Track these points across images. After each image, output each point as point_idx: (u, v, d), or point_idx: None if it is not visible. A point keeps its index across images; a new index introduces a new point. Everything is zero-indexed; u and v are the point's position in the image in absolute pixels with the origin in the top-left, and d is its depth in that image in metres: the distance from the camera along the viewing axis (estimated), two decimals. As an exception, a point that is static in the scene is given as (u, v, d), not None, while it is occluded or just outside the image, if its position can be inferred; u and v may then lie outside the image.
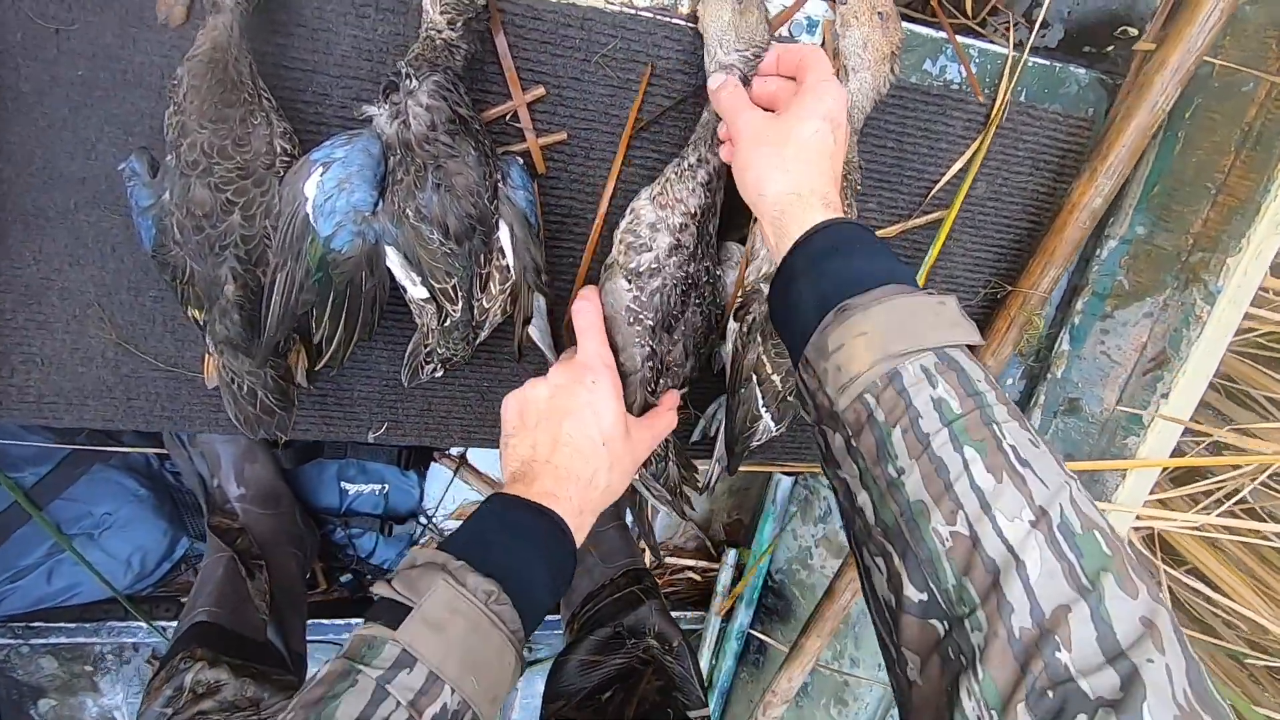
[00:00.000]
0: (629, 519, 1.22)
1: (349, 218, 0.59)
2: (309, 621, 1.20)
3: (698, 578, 1.45)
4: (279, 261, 0.60)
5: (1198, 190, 0.75)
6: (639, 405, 0.65)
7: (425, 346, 0.68)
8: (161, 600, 1.18)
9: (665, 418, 0.66)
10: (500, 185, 0.63)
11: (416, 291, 0.64)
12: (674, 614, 1.42)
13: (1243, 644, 0.94)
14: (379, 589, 0.48)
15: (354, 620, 1.23)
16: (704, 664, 1.43)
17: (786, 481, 1.30)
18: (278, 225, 0.59)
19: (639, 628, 0.96)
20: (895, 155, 0.77)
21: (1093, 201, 0.76)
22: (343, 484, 1.14)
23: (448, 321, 0.65)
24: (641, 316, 0.61)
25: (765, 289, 0.68)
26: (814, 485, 1.31)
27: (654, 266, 0.60)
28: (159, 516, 1.09)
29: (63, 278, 0.66)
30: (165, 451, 1.06)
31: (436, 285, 0.62)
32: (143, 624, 1.14)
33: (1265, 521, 0.88)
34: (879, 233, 0.80)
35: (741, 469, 0.81)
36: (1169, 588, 0.95)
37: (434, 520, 1.28)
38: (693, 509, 0.76)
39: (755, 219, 0.70)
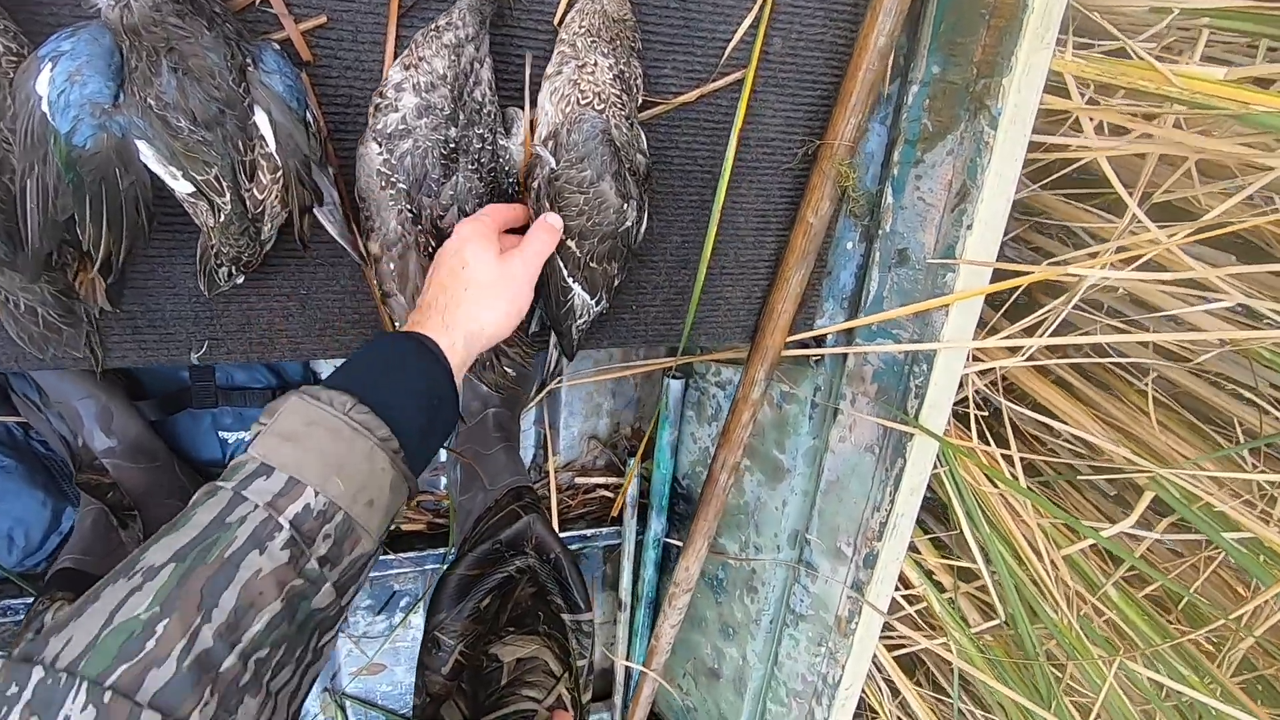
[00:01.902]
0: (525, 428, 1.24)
1: (85, 111, 0.58)
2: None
3: (611, 495, 1.48)
4: (24, 167, 0.59)
5: (973, 19, 0.76)
6: (416, 272, 0.65)
7: (212, 247, 0.67)
8: (59, 575, 1.17)
9: (536, 239, 0.65)
10: (251, 69, 0.62)
11: (180, 186, 0.63)
12: (590, 531, 1.45)
13: (1090, 471, 0.99)
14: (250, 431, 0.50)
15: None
16: (626, 576, 1.46)
17: (676, 385, 1.32)
18: (15, 129, 0.58)
19: (517, 541, 0.98)
20: (682, 16, 0.77)
21: (877, 41, 0.77)
22: (220, 434, 1.13)
23: (222, 216, 0.64)
24: (394, 180, 0.61)
25: (545, 154, 0.68)
26: (704, 386, 1.33)
27: (402, 128, 0.60)
28: (33, 487, 1.07)
29: None
30: (23, 419, 1.05)
31: (198, 177, 0.62)
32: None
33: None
34: (678, 99, 0.80)
35: (621, 371, 0.82)
36: (1015, 426, 1.00)
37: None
38: (507, 385, 0.77)
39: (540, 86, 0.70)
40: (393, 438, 0.50)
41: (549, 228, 0.67)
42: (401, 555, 1.32)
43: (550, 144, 0.67)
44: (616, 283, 0.77)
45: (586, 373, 1.38)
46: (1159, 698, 0.84)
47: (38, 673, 0.37)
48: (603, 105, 0.67)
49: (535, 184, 0.68)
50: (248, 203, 0.64)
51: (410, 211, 0.62)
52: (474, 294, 0.60)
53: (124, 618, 0.39)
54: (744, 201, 0.89)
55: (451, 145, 0.62)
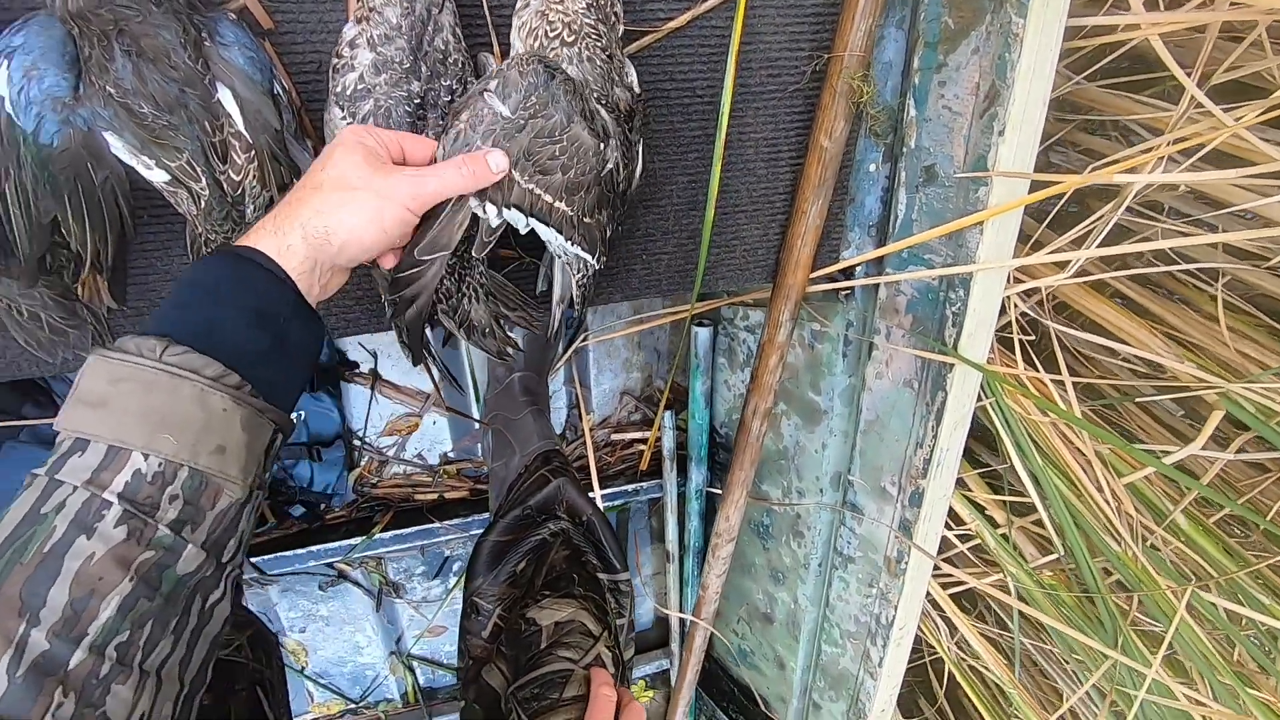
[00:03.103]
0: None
1: (47, 107, 0.56)
2: (274, 556, 1.25)
3: (645, 448, 1.46)
4: (0, 172, 0.58)
5: (994, -109, 0.67)
6: None
7: (200, 236, 0.66)
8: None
9: (446, 170, 0.54)
10: (207, 44, 0.59)
11: (155, 176, 0.61)
12: (632, 486, 1.44)
13: (1153, 391, 0.91)
14: None
15: (317, 547, 1.28)
16: (671, 528, 1.46)
17: (704, 333, 1.27)
18: (-17, 134, 0.57)
19: (548, 505, 0.97)
20: (663, -69, 0.70)
21: (883, -69, 0.69)
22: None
23: (202, 203, 0.63)
24: None
25: (495, 100, 0.63)
26: (733, 332, 1.29)
27: (361, 88, 0.56)
28: (91, 482, 1.12)
29: None
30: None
31: (170, 164, 0.60)
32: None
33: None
34: (668, 26, 0.74)
35: (645, 324, 0.78)
36: (1065, 348, 0.92)
37: (367, 440, 1.30)
38: (518, 349, 0.74)
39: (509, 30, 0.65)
40: (229, 372, 0.44)
41: (477, 160, 0.55)
42: (448, 523, 1.34)
43: (496, 83, 0.61)
44: (610, 233, 0.72)
45: (614, 328, 1.35)
46: (1236, 628, 0.78)
47: None
48: (574, 37, 0.61)
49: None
50: (225, 186, 0.62)
51: None
52: (325, 194, 0.50)
53: None
54: (751, 131, 0.83)
55: (417, 100, 0.58)
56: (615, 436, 1.44)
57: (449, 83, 0.61)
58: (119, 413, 0.41)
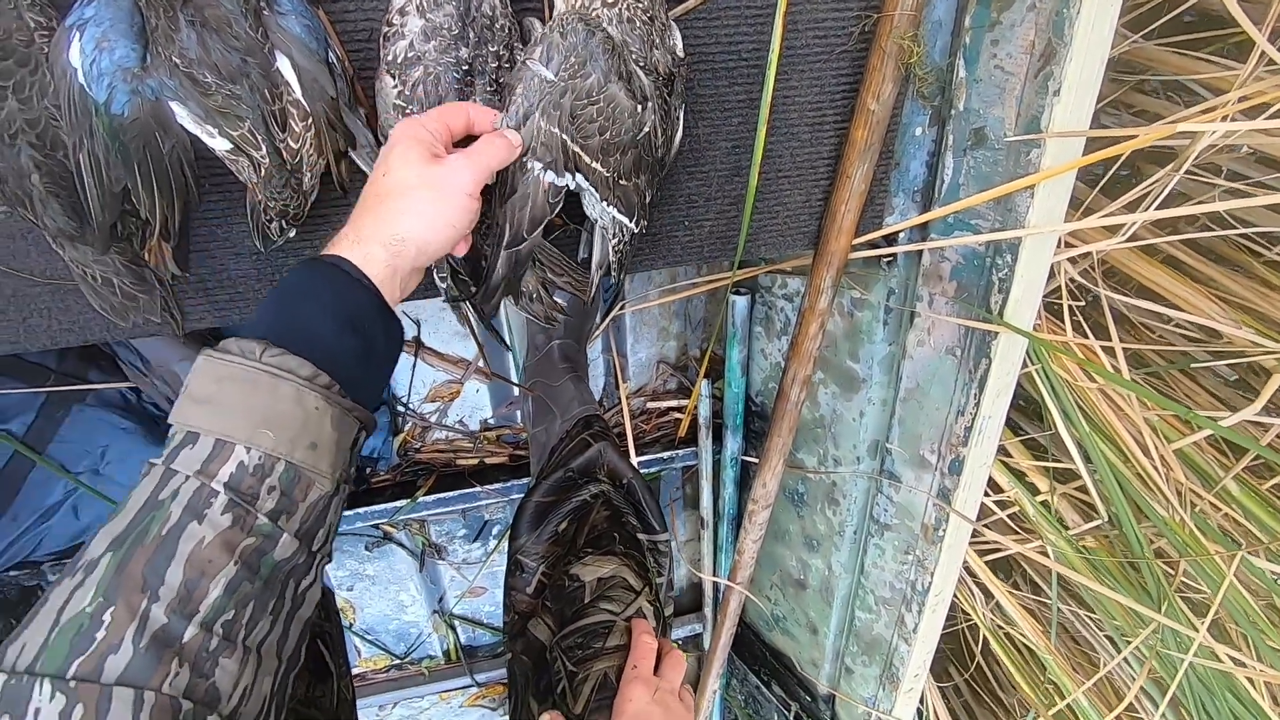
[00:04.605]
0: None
1: (117, 77, 0.58)
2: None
3: (681, 416, 1.47)
4: (74, 142, 0.60)
5: None
6: None
7: (259, 204, 0.68)
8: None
9: (486, 148, 0.57)
10: (266, 14, 0.60)
11: (218, 144, 0.63)
12: (667, 453, 1.46)
13: (1207, 356, 0.89)
14: None
15: (364, 509, 1.33)
16: (706, 495, 1.48)
17: (741, 301, 1.27)
18: (60, 105, 0.59)
19: (589, 468, 0.99)
20: (711, -112, 0.69)
21: (938, -116, 0.67)
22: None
23: (262, 171, 0.64)
24: (409, 111, 0.59)
25: (538, 65, 0.63)
26: (771, 300, 1.29)
27: (411, 55, 0.57)
28: (152, 444, 1.17)
29: (-89, 210, 0.68)
30: (134, 385, 1.13)
31: (233, 132, 0.62)
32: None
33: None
34: (715, -14, 0.73)
35: (682, 292, 0.79)
36: (1116, 314, 0.91)
37: (411, 406, 1.33)
38: (564, 314, 0.75)
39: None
40: (320, 373, 0.47)
41: (504, 137, 0.58)
42: (488, 487, 1.38)
43: (540, 50, 0.61)
44: (649, 198, 0.72)
45: (650, 296, 1.36)
46: (1285, 594, 0.78)
47: (0, 678, 0.37)
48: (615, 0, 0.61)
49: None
50: (284, 154, 0.64)
51: None
52: (394, 201, 0.53)
53: (70, 614, 0.39)
54: (796, 94, 0.82)
55: (465, 67, 0.59)
56: (650, 405, 1.45)
57: (496, 49, 0.62)
58: (224, 409, 0.44)
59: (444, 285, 0.73)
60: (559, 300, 0.74)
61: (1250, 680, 0.78)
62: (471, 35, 0.58)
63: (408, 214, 0.53)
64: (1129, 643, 0.85)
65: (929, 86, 0.85)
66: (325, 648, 0.82)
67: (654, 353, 1.45)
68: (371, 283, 0.51)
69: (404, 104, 0.59)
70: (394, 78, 0.58)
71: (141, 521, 0.42)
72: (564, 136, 0.59)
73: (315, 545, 0.48)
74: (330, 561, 0.53)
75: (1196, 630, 0.76)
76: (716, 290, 1.38)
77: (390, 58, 0.58)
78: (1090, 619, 1.05)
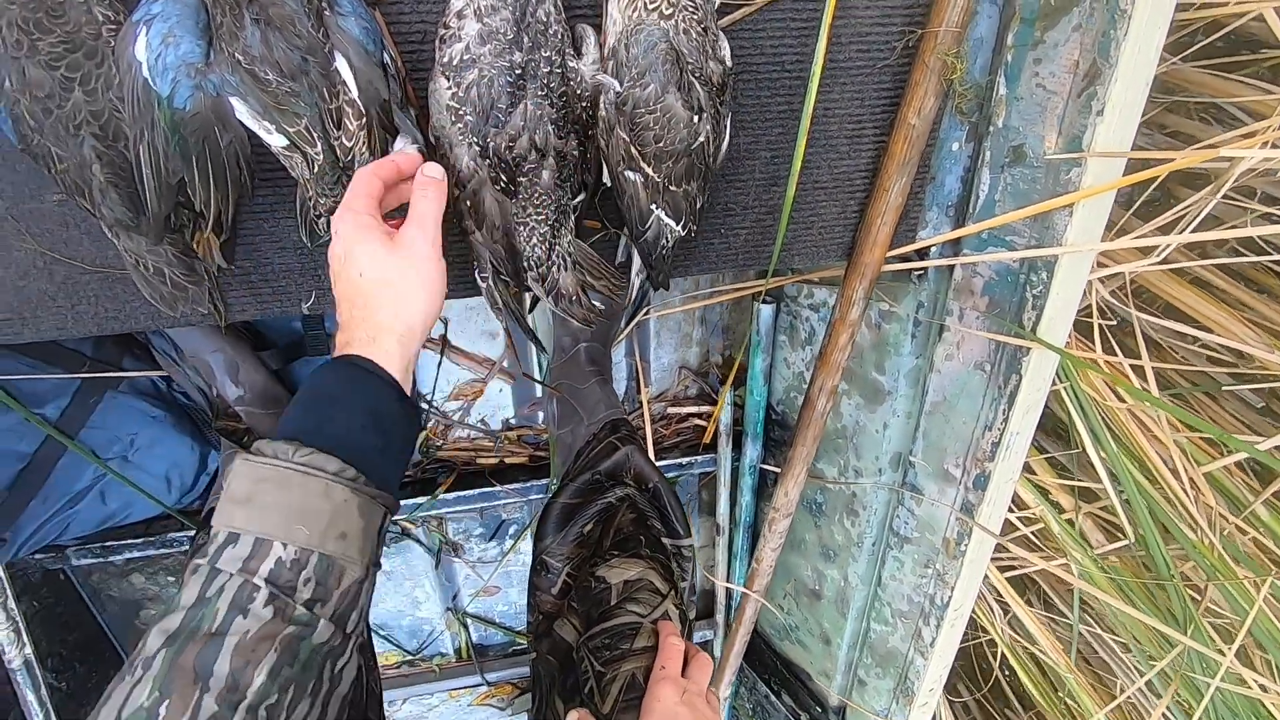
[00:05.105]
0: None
1: (182, 72, 0.59)
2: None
3: (704, 423, 1.48)
4: (136, 134, 0.62)
5: None
6: (492, 207, 0.64)
7: (309, 199, 0.69)
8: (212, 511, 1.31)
9: (421, 202, 0.59)
10: (327, 14, 0.62)
11: (275, 140, 0.64)
12: (686, 459, 1.47)
13: (1231, 380, 0.89)
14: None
15: (384, 505, 1.33)
16: (723, 502, 1.48)
17: (766, 310, 1.28)
18: (123, 97, 0.61)
19: (616, 471, 1.00)
20: (763, -98, 0.70)
21: (989, -96, 0.68)
22: (334, 379, 1.20)
23: (315, 167, 0.65)
24: (462, 113, 0.60)
25: (607, 78, 0.65)
26: (796, 310, 1.29)
27: (466, 58, 0.58)
28: (180, 433, 1.18)
29: (-31, 196, 0.70)
30: (166, 373, 1.15)
31: (290, 129, 0.63)
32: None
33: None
34: (762, 1, 0.74)
35: (709, 299, 0.80)
36: (1153, 339, 0.91)
37: (434, 403, 1.34)
38: (601, 317, 0.76)
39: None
40: (346, 467, 0.50)
41: (429, 181, 0.60)
42: (508, 486, 1.39)
43: (610, 63, 0.64)
44: (699, 204, 0.73)
45: (675, 302, 1.37)
46: (1316, 620, 0.77)
47: None
48: (672, 10, 0.62)
49: (603, 113, 0.65)
50: (338, 151, 0.65)
51: (478, 145, 0.61)
52: (385, 297, 0.56)
53: (130, 710, 0.43)
54: (836, 107, 0.83)
55: (518, 71, 0.60)
56: (671, 410, 1.46)
57: (548, 54, 0.63)
58: (261, 508, 0.48)
59: (485, 286, 0.74)
60: (596, 303, 0.75)
61: (1278, 707, 0.77)
62: (526, 40, 0.59)
63: (404, 302, 0.56)
64: (1152, 664, 0.85)
65: (968, 102, 0.86)
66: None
67: (676, 358, 1.46)
68: (391, 377, 0.55)
69: (457, 105, 0.60)
70: (448, 79, 0.59)
71: (192, 619, 0.46)
72: (624, 134, 0.60)
73: (349, 627, 0.51)
74: (366, 641, 0.55)
75: (1223, 654, 0.76)
76: (739, 298, 1.39)
77: (446, 60, 0.59)
78: (1111, 639, 1.05)
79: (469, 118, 0.60)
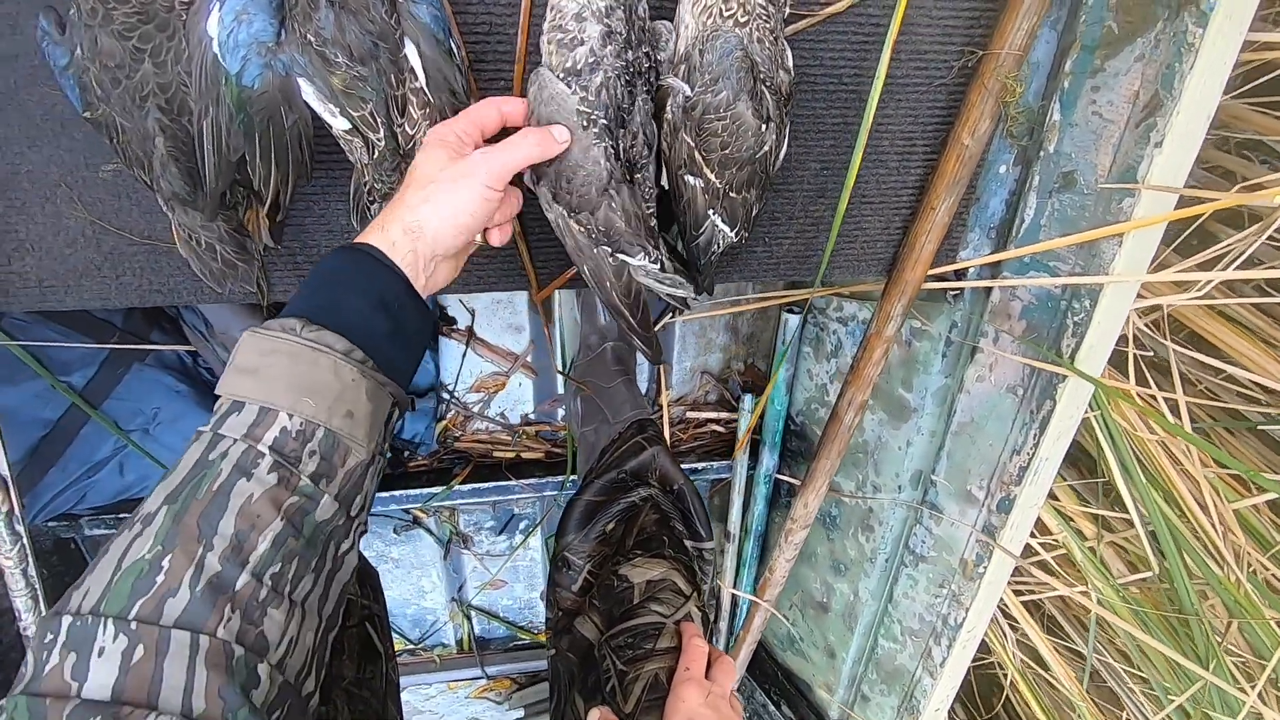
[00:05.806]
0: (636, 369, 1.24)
1: (253, 50, 0.59)
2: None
3: (721, 429, 1.48)
4: (200, 109, 0.62)
5: (1186, -107, 0.66)
6: (625, 211, 0.64)
7: (365, 184, 0.69)
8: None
9: (511, 144, 0.58)
10: (399, 1, 0.62)
11: (338, 123, 0.64)
12: (701, 464, 1.47)
13: (1263, 419, 0.89)
14: None
15: (399, 492, 1.33)
16: (736, 510, 1.48)
17: (794, 320, 1.28)
18: (191, 72, 0.61)
19: (641, 471, 1.00)
20: (835, -85, 0.70)
21: (1062, -70, 0.68)
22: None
23: (375, 153, 0.65)
24: (595, 118, 0.59)
25: (678, 82, 0.65)
26: (823, 322, 1.29)
27: (591, 61, 0.58)
28: (203, 409, 1.18)
29: (26, 160, 0.69)
30: (193, 349, 1.14)
31: (354, 113, 0.63)
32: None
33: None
34: (826, 10, 0.74)
35: (737, 306, 0.80)
36: (1182, 373, 0.91)
37: (455, 394, 1.34)
38: (685, 307, 0.76)
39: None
40: (355, 348, 0.50)
41: (537, 136, 0.59)
42: (522, 481, 1.39)
43: (683, 67, 0.64)
44: (755, 211, 0.73)
45: (701, 307, 1.37)
46: (1343, 664, 0.77)
47: (67, 620, 0.40)
48: (747, 18, 0.62)
49: (669, 115, 0.65)
50: (400, 138, 0.65)
51: (612, 147, 0.60)
52: (414, 193, 0.56)
53: (130, 561, 0.42)
54: (890, 123, 0.83)
55: (631, 69, 0.60)
56: (690, 414, 1.46)
57: (647, 49, 0.63)
58: (268, 380, 0.47)
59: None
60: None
61: (1298, 748, 0.77)
62: (634, 37, 0.59)
63: (426, 203, 0.55)
64: (1172, 699, 0.85)
65: (1019, 126, 0.86)
66: (374, 630, 0.82)
67: (698, 363, 1.46)
68: (397, 266, 0.54)
69: (589, 110, 0.58)
70: (571, 85, 0.58)
71: (194, 478, 0.45)
72: (689, 138, 0.60)
73: (353, 511, 0.50)
74: (366, 532, 0.55)
75: (1246, 693, 0.76)
76: (766, 306, 1.39)
77: (569, 65, 0.58)
78: (1123, 670, 1.05)
79: (603, 122, 0.59)
